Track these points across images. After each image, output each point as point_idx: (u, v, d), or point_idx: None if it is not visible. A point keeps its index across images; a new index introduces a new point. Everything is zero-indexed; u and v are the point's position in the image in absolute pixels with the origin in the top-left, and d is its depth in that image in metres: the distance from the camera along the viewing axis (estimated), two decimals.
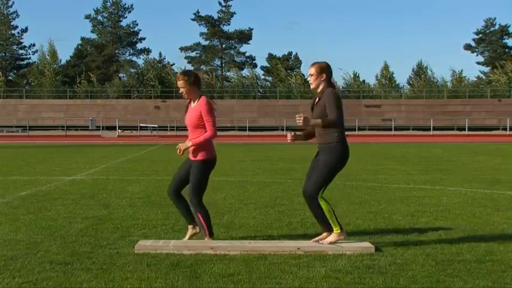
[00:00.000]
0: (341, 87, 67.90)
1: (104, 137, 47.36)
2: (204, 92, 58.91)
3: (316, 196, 5.70)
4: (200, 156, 5.92)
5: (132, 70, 72.43)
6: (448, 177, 13.00)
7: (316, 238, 5.89)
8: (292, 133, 5.91)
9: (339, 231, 5.76)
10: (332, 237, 5.76)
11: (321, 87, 5.77)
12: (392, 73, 73.14)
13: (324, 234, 5.84)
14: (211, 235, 5.93)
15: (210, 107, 5.92)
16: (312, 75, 5.81)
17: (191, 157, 5.99)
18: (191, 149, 5.94)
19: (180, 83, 5.92)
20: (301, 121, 5.61)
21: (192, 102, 6.03)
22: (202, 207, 5.93)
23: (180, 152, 5.94)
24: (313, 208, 5.78)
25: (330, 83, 5.80)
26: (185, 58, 79.51)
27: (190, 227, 6.12)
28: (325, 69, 5.79)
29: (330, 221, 5.74)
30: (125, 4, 77.43)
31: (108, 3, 76.90)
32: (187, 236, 6.11)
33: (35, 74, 70.33)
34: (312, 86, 5.85)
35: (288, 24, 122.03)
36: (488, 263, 5.19)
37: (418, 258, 5.34)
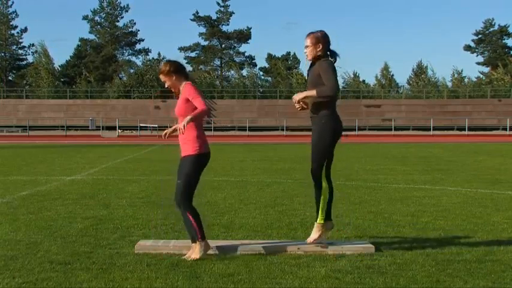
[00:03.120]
0: (340, 87, 67.86)
1: (104, 137, 47.36)
2: (205, 92, 59.10)
3: (319, 175, 5.51)
4: (191, 151, 5.46)
5: (131, 70, 72.44)
6: (448, 177, 13.00)
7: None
8: (301, 102, 5.64)
9: (322, 221, 5.56)
10: (314, 233, 5.55)
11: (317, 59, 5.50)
12: (392, 74, 73.28)
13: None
14: (203, 238, 5.41)
15: (195, 88, 5.46)
16: (307, 46, 5.51)
17: (182, 153, 5.54)
18: (182, 145, 5.50)
19: (161, 77, 5.58)
20: (298, 105, 5.55)
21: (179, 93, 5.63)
22: (192, 208, 5.45)
23: (182, 132, 5.34)
24: (316, 188, 5.59)
25: (326, 53, 5.50)
26: (184, 58, 79.54)
27: (193, 245, 5.47)
28: (321, 39, 5.49)
29: (320, 207, 5.57)
30: (121, 3, 77.43)
31: (105, 4, 76.86)
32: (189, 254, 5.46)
33: (33, 75, 70.36)
34: (308, 58, 5.55)
35: (286, 24, 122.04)
36: (488, 263, 5.18)
37: (418, 258, 5.34)
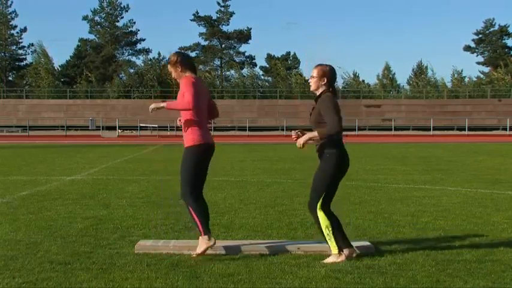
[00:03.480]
0: (340, 87, 67.91)
1: (104, 137, 47.36)
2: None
3: (314, 206, 5.40)
4: (190, 142, 5.48)
5: (131, 70, 72.43)
6: (448, 177, 13.00)
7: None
8: (297, 131, 5.61)
9: (336, 252, 5.33)
10: (329, 259, 5.32)
11: (320, 91, 5.51)
12: (394, 74, 73.29)
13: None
14: (206, 233, 5.39)
15: (192, 80, 5.45)
16: (313, 77, 5.54)
17: (184, 145, 5.57)
18: (184, 136, 5.52)
19: (168, 67, 5.64)
20: (297, 142, 5.44)
21: None
22: (195, 200, 5.43)
23: (150, 111, 5.61)
24: (314, 219, 5.49)
25: (330, 88, 5.52)
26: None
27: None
28: (327, 73, 5.50)
29: (326, 239, 5.37)
30: (121, 3, 77.43)
31: (105, 3, 76.86)
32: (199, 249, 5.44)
33: (32, 75, 70.39)
34: (311, 88, 5.59)
35: (286, 24, 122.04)
36: (488, 263, 5.18)
37: (418, 258, 5.34)
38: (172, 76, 5.65)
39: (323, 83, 5.51)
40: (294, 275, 4.80)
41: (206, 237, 5.40)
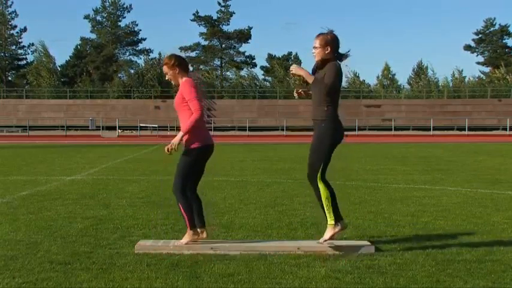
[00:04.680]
0: (342, 88, 67.83)
1: (104, 137, 47.36)
2: (205, 91, 59.13)
3: (314, 178, 5.48)
4: (193, 144, 5.64)
5: (132, 70, 72.42)
6: (448, 177, 13.00)
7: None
8: (300, 90, 5.66)
9: (332, 223, 5.50)
10: (326, 233, 5.52)
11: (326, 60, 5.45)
12: (394, 74, 73.27)
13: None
14: (192, 228, 5.68)
15: (191, 85, 5.58)
16: (316, 47, 5.46)
17: (184, 146, 5.72)
18: (184, 138, 5.64)
19: (163, 68, 5.73)
20: (297, 94, 5.61)
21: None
22: (185, 197, 5.66)
23: (170, 151, 5.64)
24: (314, 190, 5.57)
25: (334, 56, 5.45)
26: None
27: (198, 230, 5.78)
28: (330, 42, 5.42)
29: (325, 209, 5.51)
30: (124, 4, 77.46)
31: (107, 3, 76.88)
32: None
33: (33, 75, 70.38)
34: (316, 59, 5.49)
35: (285, 25, 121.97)
36: (488, 263, 5.18)
37: (418, 258, 5.34)
38: (167, 77, 5.77)
39: (327, 52, 5.45)
40: (294, 275, 4.80)
41: (191, 232, 5.70)
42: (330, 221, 5.51)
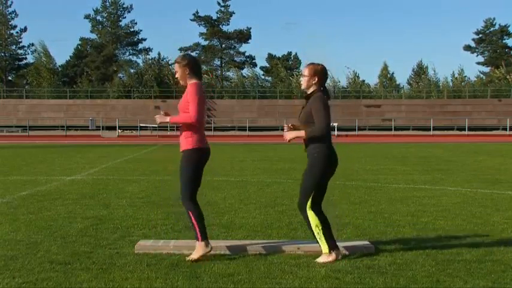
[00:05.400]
0: (341, 87, 67.92)
1: (104, 137, 47.37)
2: (205, 91, 58.82)
3: (303, 206, 5.39)
4: (187, 145, 5.45)
5: (132, 70, 72.43)
6: (448, 177, 13.00)
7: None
8: (291, 124, 5.62)
9: (326, 252, 5.33)
10: (321, 258, 5.33)
11: (311, 90, 5.50)
12: (393, 73, 73.29)
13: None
14: (203, 239, 5.36)
15: (197, 90, 5.43)
16: (304, 76, 5.53)
17: (180, 148, 5.55)
18: (180, 140, 5.51)
19: (175, 66, 5.59)
20: (284, 136, 5.52)
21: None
22: (195, 207, 5.42)
23: (158, 123, 5.63)
24: (304, 218, 5.48)
25: (321, 87, 5.50)
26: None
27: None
28: (318, 72, 5.49)
29: (317, 238, 5.37)
30: (124, 4, 77.48)
31: (107, 3, 76.90)
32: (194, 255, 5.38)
33: (33, 75, 70.42)
34: (302, 87, 5.56)
35: (285, 25, 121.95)
36: (488, 263, 5.19)
37: (418, 258, 5.34)
38: (176, 76, 5.62)
39: (314, 82, 5.50)
40: (294, 275, 4.80)
41: (203, 243, 5.37)
42: (324, 250, 5.35)
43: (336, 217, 7.58)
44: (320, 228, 5.34)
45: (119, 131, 51.59)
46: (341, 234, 6.49)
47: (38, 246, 5.86)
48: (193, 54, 78.78)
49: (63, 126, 53.68)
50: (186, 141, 5.48)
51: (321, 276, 4.75)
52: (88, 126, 54.87)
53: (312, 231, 5.39)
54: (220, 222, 7.18)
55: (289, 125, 5.67)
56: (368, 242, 5.87)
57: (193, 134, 5.47)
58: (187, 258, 5.33)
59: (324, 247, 5.33)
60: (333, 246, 5.35)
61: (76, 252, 5.57)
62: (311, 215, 5.36)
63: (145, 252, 5.53)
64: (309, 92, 5.51)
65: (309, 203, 5.38)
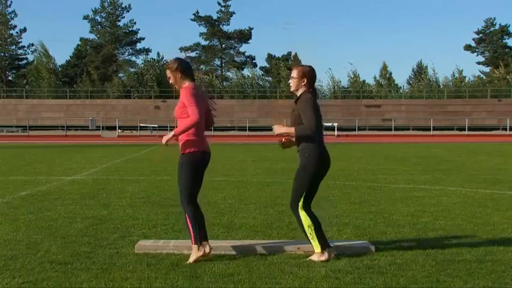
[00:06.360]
0: (341, 87, 67.92)
1: (104, 137, 47.38)
2: (204, 91, 58.83)
3: (295, 205, 5.43)
4: (188, 150, 5.41)
5: (132, 70, 72.43)
6: (448, 177, 13.00)
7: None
8: (283, 140, 5.67)
9: (319, 251, 5.35)
10: (313, 257, 5.36)
11: (300, 92, 5.53)
12: (391, 73, 73.28)
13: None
14: (196, 243, 5.31)
15: (192, 92, 5.37)
16: (293, 77, 5.56)
17: (180, 151, 5.52)
18: (180, 143, 5.48)
19: (167, 72, 5.56)
20: (274, 129, 5.58)
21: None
22: (193, 210, 5.38)
23: (165, 143, 5.46)
24: (296, 218, 5.51)
25: (310, 88, 5.53)
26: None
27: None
28: (306, 74, 5.52)
29: (309, 238, 5.39)
30: (123, 4, 77.45)
31: (106, 3, 76.90)
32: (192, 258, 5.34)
33: (33, 74, 70.43)
34: (291, 89, 5.60)
35: (284, 25, 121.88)
36: (488, 263, 5.19)
37: (418, 258, 5.34)
38: (170, 82, 5.59)
39: (303, 84, 5.54)
40: (294, 275, 4.81)
41: (196, 246, 5.33)
42: (316, 249, 5.37)
43: (336, 217, 7.59)
44: (312, 228, 5.38)
45: (119, 131, 51.59)
46: (341, 234, 6.50)
47: (38, 246, 5.86)
48: (193, 54, 79.03)
49: (63, 126, 53.69)
50: (185, 145, 5.44)
51: (321, 276, 4.75)
52: (88, 126, 54.87)
53: (304, 231, 5.43)
54: (220, 222, 7.19)
55: (285, 136, 5.66)
56: (368, 242, 5.87)
57: (192, 138, 5.43)
58: (187, 261, 5.31)
59: (317, 247, 5.36)
60: (324, 246, 5.38)
61: (76, 252, 5.57)
62: (303, 215, 5.40)
63: (145, 252, 5.53)
64: (298, 94, 5.55)
65: (300, 203, 5.43)
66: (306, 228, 5.40)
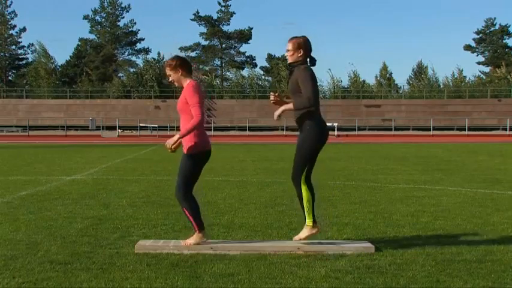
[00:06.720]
0: (341, 87, 67.90)
1: (104, 137, 47.38)
2: (205, 92, 59.11)
3: (298, 180, 5.57)
4: (190, 149, 5.59)
5: (132, 70, 72.42)
6: (448, 177, 13.00)
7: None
8: (277, 93, 5.72)
9: (311, 224, 5.60)
10: (302, 233, 5.62)
11: (298, 63, 5.54)
12: (391, 73, 73.26)
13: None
14: (200, 230, 5.66)
15: (195, 89, 5.51)
16: (288, 50, 5.56)
17: (183, 150, 5.69)
18: (183, 143, 5.61)
19: (167, 70, 5.67)
20: (273, 100, 5.64)
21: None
22: (188, 201, 5.62)
23: (170, 150, 5.58)
24: (297, 193, 5.65)
25: (307, 58, 5.56)
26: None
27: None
28: (302, 45, 5.54)
29: (305, 211, 5.60)
30: (122, 4, 77.47)
31: (105, 3, 76.91)
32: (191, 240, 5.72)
33: (32, 75, 70.43)
34: (288, 61, 5.61)
35: (284, 25, 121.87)
36: (488, 263, 5.19)
37: (418, 258, 5.34)
38: (170, 79, 5.70)
39: (299, 55, 5.57)
40: (294, 275, 4.80)
41: (201, 234, 5.68)
42: (309, 222, 5.62)
43: (336, 217, 7.59)
44: (310, 202, 5.59)
45: (119, 131, 51.59)
46: (341, 234, 6.50)
47: (38, 246, 5.86)
48: (193, 54, 79.00)
49: (63, 126, 53.70)
50: (189, 144, 5.58)
51: (321, 276, 4.75)
52: (88, 126, 54.88)
53: (302, 204, 5.62)
54: (220, 222, 7.18)
55: (275, 94, 5.76)
56: (368, 242, 5.87)
57: (196, 137, 5.58)
58: (182, 243, 5.66)
59: (309, 220, 5.61)
60: (315, 220, 5.65)
61: (76, 252, 5.57)
62: (304, 189, 5.59)
63: (145, 252, 5.53)
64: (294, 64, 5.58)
65: (303, 177, 5.58)
66: (305, 202, 5.59)
